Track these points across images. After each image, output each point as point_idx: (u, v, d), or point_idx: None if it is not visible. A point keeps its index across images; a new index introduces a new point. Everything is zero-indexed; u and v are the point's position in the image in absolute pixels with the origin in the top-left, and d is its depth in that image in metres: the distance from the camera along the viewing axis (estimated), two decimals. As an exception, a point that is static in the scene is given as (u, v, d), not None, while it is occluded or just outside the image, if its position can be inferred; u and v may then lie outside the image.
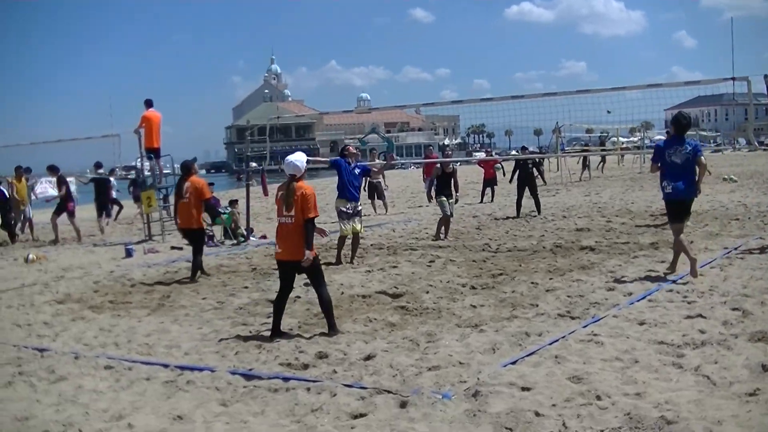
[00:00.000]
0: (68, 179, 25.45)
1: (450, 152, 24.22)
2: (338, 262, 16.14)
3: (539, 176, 25.17)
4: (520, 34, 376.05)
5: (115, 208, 30.13)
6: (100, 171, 27.59)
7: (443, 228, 19.45)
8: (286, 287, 10.18)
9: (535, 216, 23.85)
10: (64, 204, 24.00)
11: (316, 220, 9.95)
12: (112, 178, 29.07)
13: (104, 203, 26.89)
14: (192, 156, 21.93)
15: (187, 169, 15.66)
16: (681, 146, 12.73)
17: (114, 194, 29.27)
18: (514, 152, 70.26)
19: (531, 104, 21.40)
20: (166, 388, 7.91)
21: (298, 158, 10.11)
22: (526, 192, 24.33)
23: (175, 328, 10.79)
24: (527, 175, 24.51)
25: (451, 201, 19.45)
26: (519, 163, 25.31)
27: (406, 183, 47.85)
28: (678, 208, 12.90)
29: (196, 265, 15.02)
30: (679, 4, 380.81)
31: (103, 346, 9.96)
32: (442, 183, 19.45)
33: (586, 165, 44.94)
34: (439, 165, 19.90)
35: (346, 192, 16.33)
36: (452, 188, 19.51)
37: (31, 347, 10.04)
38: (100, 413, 7.24)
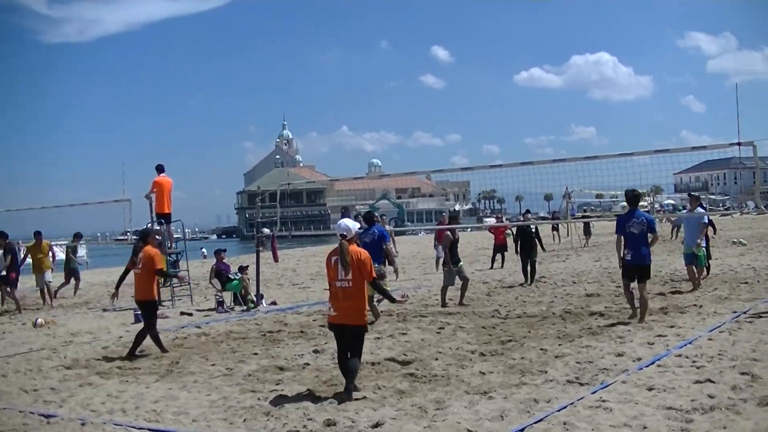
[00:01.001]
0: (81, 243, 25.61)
1: (451, 219, 24.17)
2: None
3: (539, 243, 25.21)
4: (530, 100, 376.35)
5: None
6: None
7: (460, 294, 19.47)
8: (344, 347, 10.40)
9: (545, 282, 23.85)
10: (8, 273, 23.57)
11: None
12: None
13: None
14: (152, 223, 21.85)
15: (145, 236, 15.56)
16: (636, 218, 15.21)
17: None
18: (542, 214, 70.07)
19: (541, 170, 21.40)
20: (173, 456, 7.90)
21: (351, 222, 10.71)
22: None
23: (184, 395, 10.75)
24: (528, 239, 24.48)
25: (461, 265, 19.47)
26: (520, 229, 25.31)
27: (416, 249, 47.88)
28: (634, 272, 15.21)
29: (141, 337, 14.51)
30: (687, 69, 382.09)
31: (110, 412, 9.92)
32: (452, 250, 19.46)
33: (588, 231, 44.95)
34: (449, 233, 19.85)
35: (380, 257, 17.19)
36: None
37: (37, 413, 9.99)
38: (106, 481, 7.23)
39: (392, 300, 11.12)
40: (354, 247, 10.41)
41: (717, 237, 29.39)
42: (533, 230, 24.99)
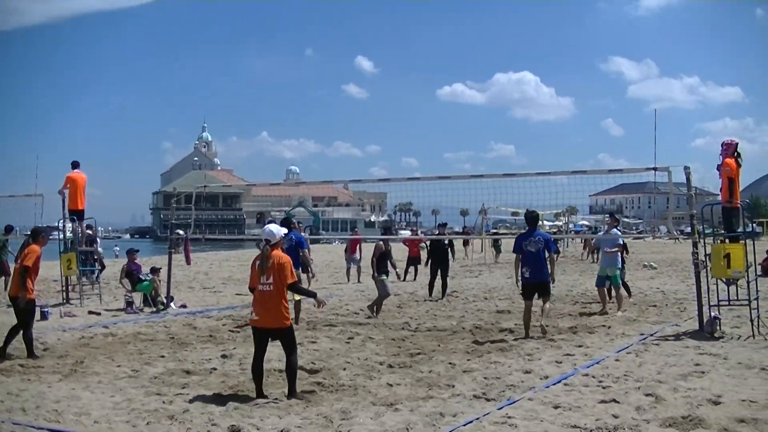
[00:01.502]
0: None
1: (385, 230, 24.20)
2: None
3: (451, 253, 25.23)
4: (452, 115, 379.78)
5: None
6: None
7: (376, 306, 19.43)
8: (261, 352, 10.54)
9: (456, 296, 23.93)
10: None
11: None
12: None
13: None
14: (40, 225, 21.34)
15: (34, 235, 15.06)
16: (534, 237, 15.80)
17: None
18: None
19: (458, 185, 21.53)
20: (72, 457, 7.74)
21: (275, 227, 10.79)
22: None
23: (87, 395, 10.55)
24: (442, 254, 24.51)
25: (383, 278, 19.46)
26: (434, 243, 25.25)
27: (330, 258, 47.79)
28: (534, 289, 15.77)
29: (28, 340, 13.86)
30: (608, 93, 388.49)
31: (9, 411, 9.68)
32: (382, 261, 19.44)
33: (498, 248, 44.97)
34: (381, 243, 19.84)
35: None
36: (389, 265, 19.64)
37: (-66, 411, 9.73)
38: (1, 481, 7.06)
39: (313, 295, 11.08)
40: (276, 252, 10.46)
41: (629, 259, 29.71)
42: (447, 244, 25.00)
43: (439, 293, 23.83)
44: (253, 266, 10.63)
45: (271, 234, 10.51)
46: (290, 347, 10.51)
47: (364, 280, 30.37)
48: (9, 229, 27.93)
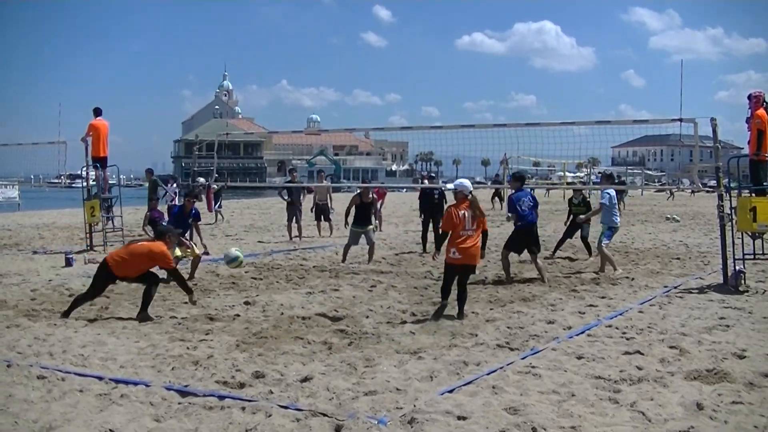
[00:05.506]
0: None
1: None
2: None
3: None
4: (471, 65, 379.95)
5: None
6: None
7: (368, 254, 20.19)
8: (452, 282, 12.56)
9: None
10: None
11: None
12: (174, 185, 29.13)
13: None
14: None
15: (161, 234, 15.15)
16: (525, 197, 17.13)
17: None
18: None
19: (480, 134, 21.33)
20: (99, 401, 7.79)
21: (467, 182, 12.71)
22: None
23: (112, 341, 10.62)
24: (433, 207, 23.19)
25: (369, 228, 20.10)
26: (424, 193, 24.29)
27: (351, 206, 47.75)
28: (524, 237, 16.93)
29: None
30: (629, 43, 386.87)
31: (37, 355, 9.76)
32: (360, 212, 20.06)
33: (501, 198, 44.33)
34: (357, 193, 20.06)
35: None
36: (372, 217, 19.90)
37: (-38, 354, 9.80)
38: (30, 424, 7.11)
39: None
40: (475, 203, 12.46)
41: (651, 213, 29.58)
42: (436, 196, 23.68)
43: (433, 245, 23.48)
44: (455, 215, 12.25)
45: (466, 186, 12.24)
46: (468, 277, 12.75)
47: (385, 229, 30.37)
48: (151, 172, 28.23)
